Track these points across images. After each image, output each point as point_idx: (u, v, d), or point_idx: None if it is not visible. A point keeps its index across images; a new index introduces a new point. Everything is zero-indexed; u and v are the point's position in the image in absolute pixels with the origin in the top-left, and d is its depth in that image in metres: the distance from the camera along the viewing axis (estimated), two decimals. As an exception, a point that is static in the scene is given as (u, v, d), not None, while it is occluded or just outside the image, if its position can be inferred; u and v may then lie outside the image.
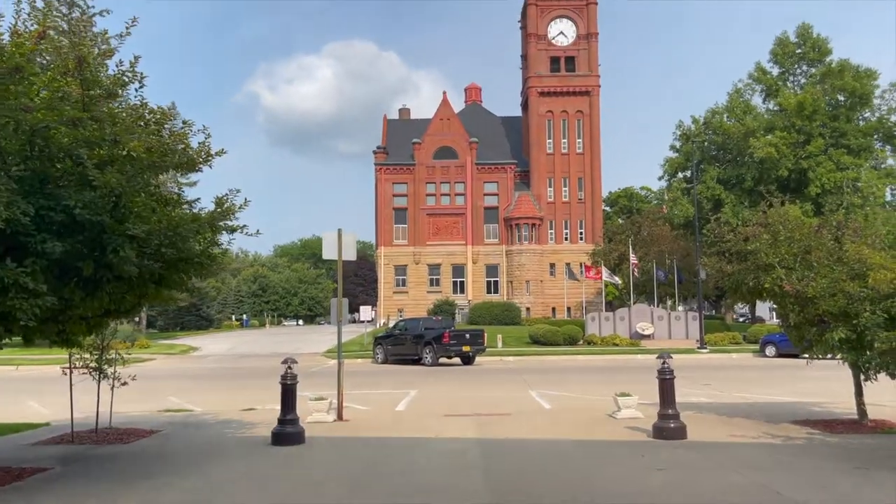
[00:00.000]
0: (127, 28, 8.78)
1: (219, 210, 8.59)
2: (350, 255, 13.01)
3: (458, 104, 75.46)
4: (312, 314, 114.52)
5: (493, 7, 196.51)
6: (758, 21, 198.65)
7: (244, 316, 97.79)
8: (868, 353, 9.86)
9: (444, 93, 70.08)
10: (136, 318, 63.90)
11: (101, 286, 7.65)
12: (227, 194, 8.67)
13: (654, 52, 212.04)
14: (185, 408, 16.27)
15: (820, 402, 15.33)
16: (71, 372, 11.75)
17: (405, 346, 31.10)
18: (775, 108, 49.54)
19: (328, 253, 12.84)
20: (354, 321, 73.97)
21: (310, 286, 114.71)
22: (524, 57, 70.86)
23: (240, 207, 8.76)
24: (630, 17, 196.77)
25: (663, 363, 10.57)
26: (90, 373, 11.82)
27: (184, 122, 8.66)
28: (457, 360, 30.32)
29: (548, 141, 66.85)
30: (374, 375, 25.78)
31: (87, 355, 11.52)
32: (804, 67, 50.48)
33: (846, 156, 44.98)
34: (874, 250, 10.37)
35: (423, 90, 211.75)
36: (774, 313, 66.08)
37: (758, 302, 60.85)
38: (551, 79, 66.99)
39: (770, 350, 33.53)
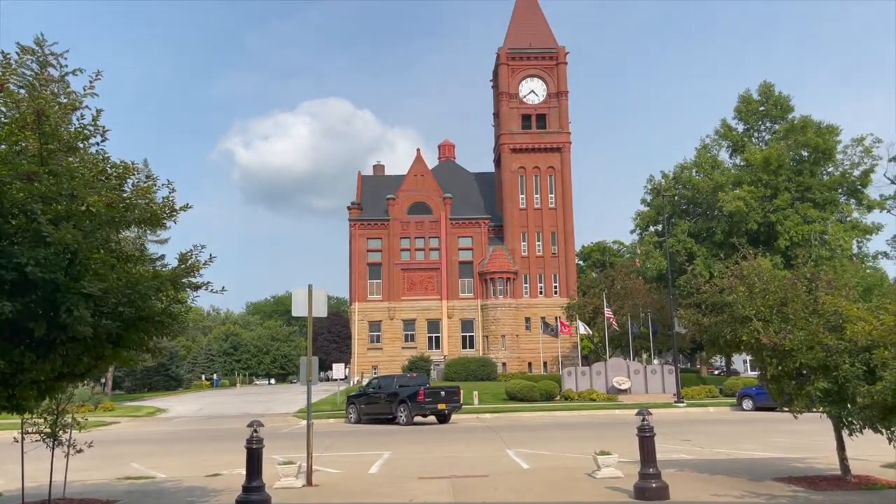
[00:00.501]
0: (91, 82, 8.63)
1: (182, 267, 8.28)
2: (321, 311, 12.66)
3: (432, 161, 76.37)
4: (285, 372, 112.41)
5: (467, 67, 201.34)
6: (725, 76, 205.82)
7: (214, 375, 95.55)
8: (850, 406, 9.69)
9: (418, 149, 70.81)
10: (102, 380, 62.04)
11: (54, 348, 7.25)
12: (191, 250, 8.37)
13: (624, 108, 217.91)
14: (146, 475, 15.48)
15: (801, 458, 15.08)
16: (23, 439, 11.08)
17: (379, 404, 30.36)
18: (742, 164, 50.75)
19: (298, 310, 12.48)
20: (328, 379, 72.70)
21: (282, 344, 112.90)
22: (496, 115, 72.18)
23: (204, 264, 8.46)
24: (599, 74, 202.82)
25: (643, 420, 10.29)
26: (44, 439, 11.17)
27: (147, 177, 8.41)
28: (432, 418, 29.64)
29: (521, 196, 67.52)
30: (347, 436, 25.02)
31: (40, 420, 10.89)
32: (768, 124, 52.01)
33: (812, 209, 45.99)
34: (850, 302, 10.33)
35: (398, 147, 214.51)
36: (749, 365, 66.30)
37: (733, 355, 61.17)
38: (523, 136, 68.13)
39: (747, 403, 33.41)
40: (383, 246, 66.72)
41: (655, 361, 65.04)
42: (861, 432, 9.70)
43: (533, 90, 69.77)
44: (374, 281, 66.49)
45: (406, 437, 23.75)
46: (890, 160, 52.44)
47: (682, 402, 35.94)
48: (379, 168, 78.79)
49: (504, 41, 71.23)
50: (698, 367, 76.61)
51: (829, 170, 49.49)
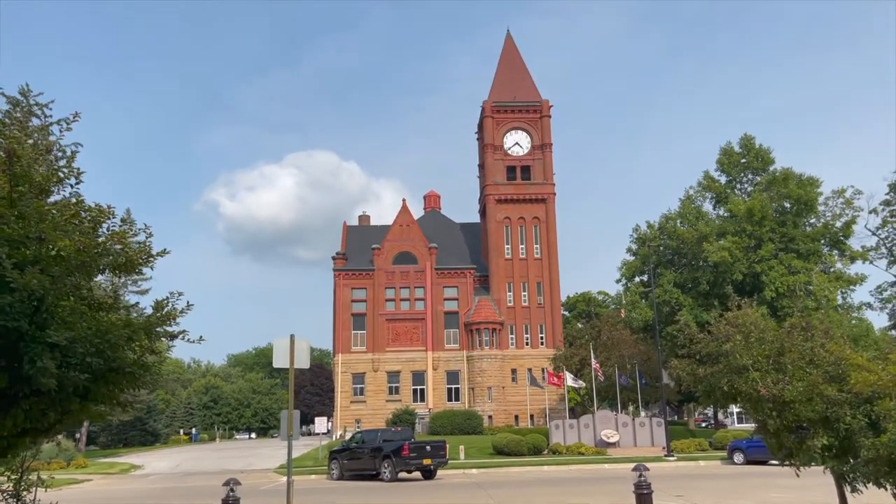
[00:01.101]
0: (68, 123, 8.31)
1: (157, 315, 7.86)
2: (303, 362, 12.20)
3: (417, 211, 76.48)
4: (266, 426, 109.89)
5: (452, 120, 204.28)
6: (707, 130, 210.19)
7: (193, 430, 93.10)
8: (853, 461, 9.32)
9: (404, 200, 70.95)
10: (77, 435, 60.14)
11: (17, 402, 6.76)
12: (167, 297, 7.98)
13: (607, 160, 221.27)
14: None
15: (800, 514, 14.60)
16: (-18, 500, 10.38)
17: (362, 460, 29.43)
18: (726, 214, 51.18)
19: (279, 361, 12.01)
20: (310, 433, 70.89)
21: (263, 397, 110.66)
22: (481, 166, 72.76)
23: (181, 311, 8.05)
24: (584, 126, 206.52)
25: (640, 476, 9.84)
26: (6, 499, 10.45)
27: (122, 220, 8.04)
28: (417, 474, 28.74)
29: (506, 246, 67.53)
30: (329, 494, 24.11)
31: (2, 479, 10.21)
32: (750, 175, 52.71)
33: (796, 260, 46.26)
34: (853, 351, 10.07)
35: (384, 199, 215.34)
36: (737, 418, 65.78)
37: (724, 407, 60.54)
38: (508, 187, 68.57)
39: (738, 457, 32.82)
40: (368, 296, 66.08)
41: (643, 413, 64.20)
42: (865, 488, 9.30)
43: (517, 142, 70.56)
44: (359, 332, 65.62)
45: (390, 494, 22.91)
46: (870, 212, 53.27)
47: (673, 456, 35.24)
48: (364, 218, 78.74)
49: (489, 94, 72.34)
50: (686, 419, 75.80)
51: (812, 221, 50.02)
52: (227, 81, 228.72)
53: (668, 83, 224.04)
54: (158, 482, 31.96)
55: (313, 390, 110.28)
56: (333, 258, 68.20)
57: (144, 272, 8.28)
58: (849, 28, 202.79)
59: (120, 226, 7.94)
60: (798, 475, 10.73)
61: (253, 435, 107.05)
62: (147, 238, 8.10)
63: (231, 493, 9.58)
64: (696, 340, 11.93)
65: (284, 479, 31.85)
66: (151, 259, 8.05)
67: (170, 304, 8.13)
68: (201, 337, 8.53)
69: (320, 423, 39.55)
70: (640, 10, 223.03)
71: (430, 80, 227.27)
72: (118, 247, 7.85)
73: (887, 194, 52.61)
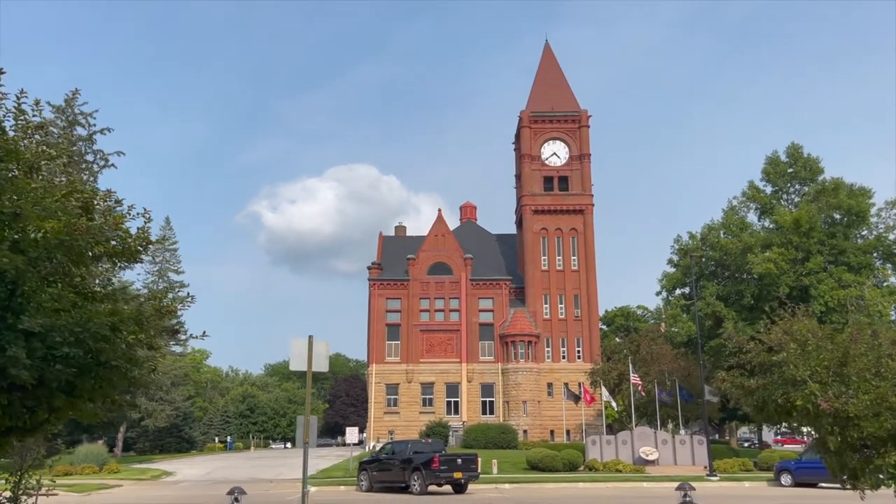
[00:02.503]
0: (70, 96, 7.75)
1: (152, 305, 7.26)
2: (322, 365, 11.53)
3: (453, 223, 75.91)
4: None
5: (492, 133, 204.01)
6: (751, 140, 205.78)
7: (228, 438, 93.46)
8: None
9: (440, 210, 70.42)
10: (114, 441, 60.65)
11: (-5, 397, 6.19)
12: (165, 288, 7.40)
13: (647, 171, 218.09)
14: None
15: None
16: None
17: (392, 471, 28.67)
18: (771, 226, 49.31)
19: (296, 363, 11.36)
20: (343, 444, 70.39)
21: (299, 407, 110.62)
22: (518, 177, 71.90)
23: (182, 302, 7.46)
24: (623, 137, 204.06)
25: (684, 496, 8.88)
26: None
27: (117, 202, 7.45)
28: (448, 487, 27.85)
29: (543, 258, 66.41)
30: (356, 505, 23.36)
31: (2, 482, 9.73)
32: (797, 186, 50.78)
33: (847, 273, 44.19)
34: None
35: (423, 212, 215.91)
36: (780, 437, 63.01)
37: (764, 427, 58.08)
38: (545, 197, 67.54)
39: (786, 478, 31.15)
40: (402, 306, 65.58)
41: (683, 431, 62.17)
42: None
43: (555, 152, 69.57)
44: (393, 342, 65.12)
45: (418, 508, 22.08)
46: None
47: (715, 476, 33.66)
48: (400, 229, 78.51)
49: (527, 104, 71.57)
50: (727, 438, 73.26)
51: (864, 233, 47.87)
52: (270, 96, 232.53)
53: (708, 92, 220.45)
54: (188, 490, 31.65)
55: (348, 401, 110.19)
56: (369, 268, 67.96)
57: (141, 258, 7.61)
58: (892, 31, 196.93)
59: (117, 210, 7.35)
60: (862, 499, 9.63)
61: (288, 445, 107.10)
62: (146, 223, 7.51)
63: (235, 503, 8.90)
64: (746, 350, 10.91)
65: (313, 489, 31.29)
66: (149, 244, 7.44)
67: (173, 294, 7.51)
68: (204, 332, 7.95)
69: (352, 434, 38.88)
70: (679, 18, 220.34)
71: (469, 93, 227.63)
72: (117, 233, 7.25)
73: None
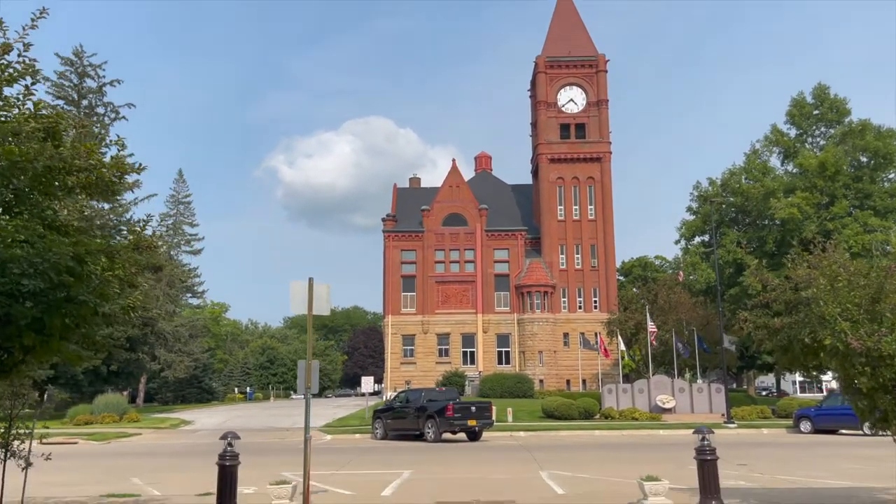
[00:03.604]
0: (33, 20, 7.14)
1: (131, 238, 6.74)
2: (323, 308, 11.07)
3: (468, 173, 74.88)
4: (321, 387, 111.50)
5: (508, 82, 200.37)
6: (772, 84, 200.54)
7: (248, 389, 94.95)
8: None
9: (454, 160, 69.59)
10: (135, 392, 61.61)
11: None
12: (140, 220, 6.87)
13: (667, 119, 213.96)
14: (135, 492, 13.98)
15: (886, 488, 12.88)
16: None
17: (406, 419, 28.63)
18: (794, 170, 47.86)
19: (296, 306, 10.91)
20: (361, 394, 71.24)
21: (318, 358, 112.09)
22: (534, 125, 70.35)
23: (160, 238, 6.95)
24: (640, 81, 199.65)
25: (702, 440, 8.38)
26: None
27: (83, 126, 6.87)
28: (462, 435, 27.80)
29: (559, 208, 65.40)
30: (369, 453, 23.32)
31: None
32: (822, 128, 49.06)
33: (873, 218, 42.90)
34: None
35: (440, 165, 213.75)
36: (799, 387, 62.90)
37: (794, 372, 57.80)
38: (561, 145, 66.12)
39: (805, 425, 30.75)
40: (417, 258, 65.22)
41: (700, 380, 61.89)
42: None
43: (572, 99, 67.80)
44: (408, 294, 64.97)
45: (431, 454, 21.96)
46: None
47: (733, 423, 33.38)
48: (415, 181, 77.64)
49: (542, 49, 69.53)
50: (745, 387, 73.05)
51: (891, 176, 46.34)
52: (284, 50, 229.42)
53: (730, 36, 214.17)
54: (205, 437, 31.92)
55: (366, 352, 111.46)
56: (383, 220, 67.47)
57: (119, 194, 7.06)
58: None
59: (82, 134, 6.76)
60: None
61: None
62: (120, 151, 6.92)
63: (229, 449, 8.57)
64: (771, 288, 10.26)
65: (329, 437, 31.58)
66: (126, 175, 6.87)
67: (149, 229, 6.99)
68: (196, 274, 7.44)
69: (367, 383, 38.92)
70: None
71: (486, 42, 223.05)
72: (87, 161, 6.69)
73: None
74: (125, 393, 69.66)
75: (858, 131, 45.16)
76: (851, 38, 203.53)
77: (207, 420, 43.42)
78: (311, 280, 10.99)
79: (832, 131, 48.14)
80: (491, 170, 77.90)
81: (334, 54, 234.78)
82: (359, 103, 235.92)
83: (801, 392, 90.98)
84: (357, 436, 31.14)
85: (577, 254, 64.80)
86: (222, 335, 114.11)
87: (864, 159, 46.09)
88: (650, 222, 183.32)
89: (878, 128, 45.34)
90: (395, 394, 34.45)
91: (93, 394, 44.61)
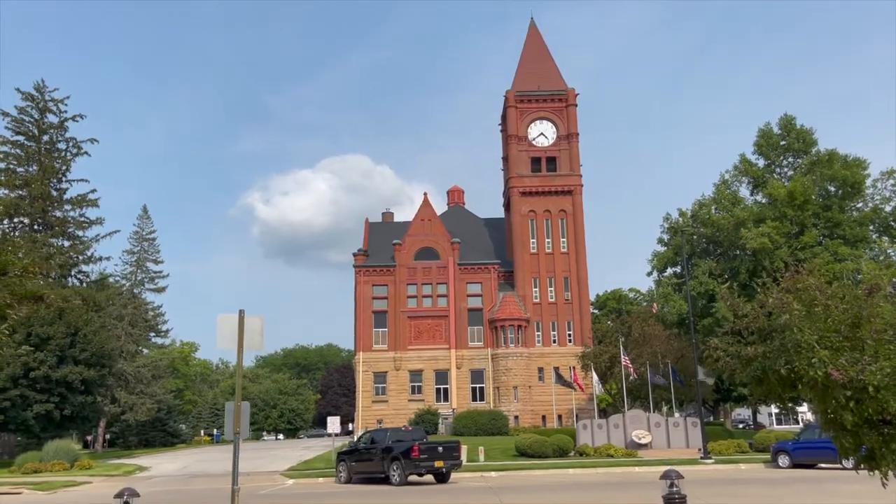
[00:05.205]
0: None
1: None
2: (255, 343, 10.02)
3: (441, 207, 74.36)
4: (293, 427, 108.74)
5: (483, 119, 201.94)
6: (743, 121, 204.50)
7: (215, 431, 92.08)
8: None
9: (426, 193, 68.62)
10: (88, 437, 59.07)
11: None
12: None
13: (638, 152, 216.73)
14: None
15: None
16: None
17: (372, 462, 27.22)
18: (764, 200, 47.89)
19: (224, 341, 9.84)
20: (337, 434, 69.20)
21: (290, 398, 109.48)
22: (505, 158, 70.25)
23: (30, 262, 5.92)
24: (612, 114, 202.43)
25: (671, 486, 7.43)
26: None
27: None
28: (430, 477, 26.46)
29: (531, 240, 64.93)
30: (329, 498, 21.94)
31: None
32: (790, 158, 49.30)
33: (843, 246, 42.86)
34: None
35: (417, 201, 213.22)
36: (775, 419, 62.26)
37: (769, 404, 56.89)
38: (533, 179, 65.97)
39: (783, 460, 29.89)
40: (389, 293, 64.07)
41: (677, 414, 60.99)
42: None
43: (542, 133, 67.89)
44: (380, 330, 63.64)
45: (393, 499, 20.67)
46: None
47: (710, 459, 32.41)
48: (388, 215, 76.87)
49: (512, 84, 69.81)
50: (722, 419, 72.31)
51: (859, 205, 46.49)
52: (260, 88, 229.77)
53: (699, 76, 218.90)
54: (159, 485, 30.17)
55: (340, 391, 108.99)
56: (354, 255, 66.36)
57: None
58: (882, 17, 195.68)
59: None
60: (885, 485, 8.19)
61: (280, 436, 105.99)
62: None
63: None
64: (743, 314, 9.44)
65: (291, 481, 29.96)
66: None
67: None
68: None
69: (333, 424, 37.33)
70: (667, 2, 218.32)
71: (460, 79, 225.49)
72: None
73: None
74: (89, 437, 66.94)
75: (826, 161, 45.41)
76: (820, 71, 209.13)
77: (167, 466, 41.41)
78: (241, 312, 9.95)
79: (800, 161, 48.40)
80: (464, 204, 77.47)
81: (309, 92, 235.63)
82: (335, 141, 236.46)
83: (777, 424, 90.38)
84: (320, 480, 29.64)
85: (551, 287, 64.14)
86: (191, 375, 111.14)
87: (832, 188, 46.28)
88: (624, 255, 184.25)
89: (845, 157, 45.62)
90: (360, 434, 33.01)
91: (47, 439, 42.48)
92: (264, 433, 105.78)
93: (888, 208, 45.11)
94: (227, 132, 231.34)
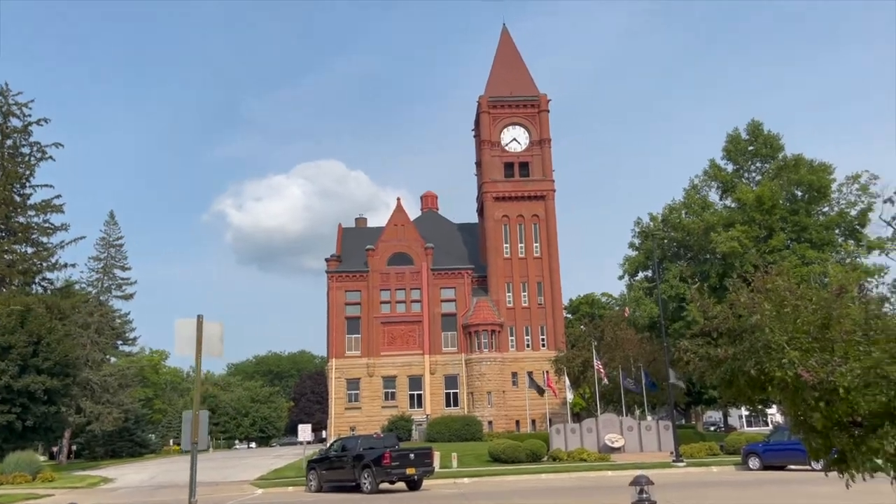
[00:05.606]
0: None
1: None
2: (215, 349, 9.68)
3: (415, 213, 74.15)
4: (265, 435, 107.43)
5: (459, 125, 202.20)
6: (715, 126, 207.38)
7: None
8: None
9: (399, 199, 68.39)
10: (55, 448, 57.62)
11: None
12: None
13: (612, 162, 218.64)
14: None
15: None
16: None
17: (343, 469, 26.80)
18: (733, 205, 48.45)
19: (183, 347, 9.49)
20: (310, 442, 68.42)
21: (262, 405, 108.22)
22: (478, 164, 70.27)
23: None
24: (585, 120, 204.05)
25: (641, 492, 7.26)
26: None
27: None
28: (402, 484, 26.13)
29: (505, 245, 64.95)
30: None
31: None
32: (758, 163, 49.96)
33: (810, 250, 43.49)
34: None
35: (391, 206, 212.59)
36: (746, 421, 63.04)
37: (739, 406, 57.52)
38: (506, 184, 66.07)
39: (754, 462, 30.11)
40: (362, 299, 63.59)
41: (650, 417, 61.28)
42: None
43: (515, 138, 68.06)
44: (353, 336, 63.08)
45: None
46: (884, 202, 50.34)
47: (682, 462, 32.51)
48: (361, 221, 76.36)
49: (485, 89, 69.89)
50: (694, 422, 72.90)
51: (825, 209, 47.23)
52: (235, 93, 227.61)
53: (674, 82, 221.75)
54: (124, 497, 29.42)
55: (314, 398, 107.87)
56: (327, 260, 65.77)
57: None
58: (860, 24, 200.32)
59: None
60: (849, 486, 8.12)
61: (253, 444, 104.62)
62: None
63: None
64: (713, 315, 9.35)
65: (259, 491, 29.36)
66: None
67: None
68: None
69: (304, 431, 36.76)
70: (641, 10, 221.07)
71: (435, 86, 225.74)
72: None
73: (903, 182, 49.79)
74: (55, 449, 65.21)
75: (792, 166, 46.08)
76: (791, 76, 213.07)
77: (133, 477, 40.47)
78: (200, 318, 9.60)
79: (767, 166, 49.07)
80: (437, 209, 77.31)
81: (285, 97, 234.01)
82: (309, 146, 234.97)
83: (747, 426, 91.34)
84: (290, 489, 29.13)
85: (524, 291, 64.18)
86: (161, 384, 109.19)
87: (798, 193, 46.95)
88: (598, 259, 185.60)
89: (811, 162, 46.35)
90: (332, 442, 32.55)
91: (9, 451, 41.24)
92: (236, 442, 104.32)
93: (853, 212, 45.92)
94: (200, 137, 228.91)
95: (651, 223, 51.59)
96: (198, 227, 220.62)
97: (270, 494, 27.91)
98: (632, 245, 54.14)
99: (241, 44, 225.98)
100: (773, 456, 29.42)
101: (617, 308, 71.28)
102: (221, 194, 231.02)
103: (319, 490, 27.26)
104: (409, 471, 25.16)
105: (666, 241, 49.99)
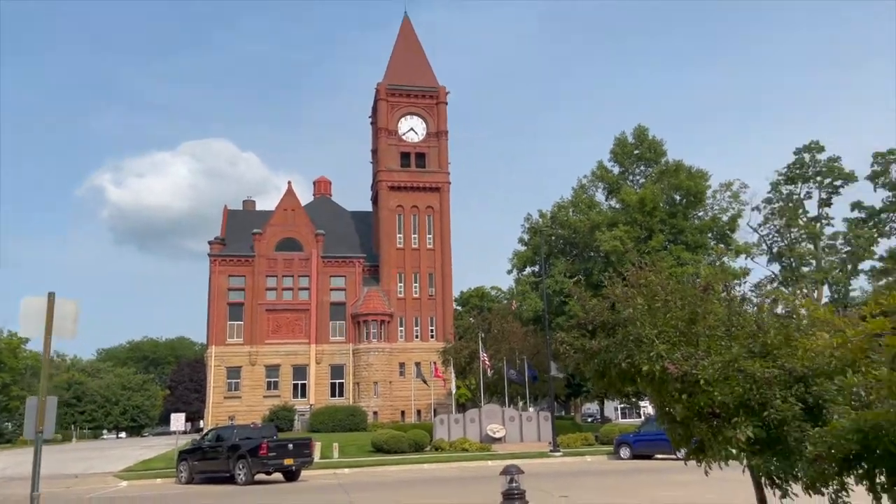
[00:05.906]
0: None
1: None
2: (67, 330, 8.86)
3: (307, 198, 72.43)
4: (137, 424, 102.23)
5: (357, 112, 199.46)
6: (608, 128, 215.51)
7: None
8: (787, 459, 7.09)
9: (290, 182, 66.51)
10: None
11: None
12: None
13: (509, 158, 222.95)
14: None
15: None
16: None
17: (217, 460, 25.75)
18: (617, 205, 50.62)
19: (29, 327, 8.62)
20: (185, 432, 65.51)
21: (135, 393, 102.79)
22: (374, 152, 69.61)
23: None
24: (483, 123, 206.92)
25: (510, 482, 7.25)
26: None
27: None
28: (279, 475, 25.42)
29: (398, 236, 64.74)
30: (162, 501, 20.40)
31: None
32: (642, 167, 52.46)
33: (685, 252, 46.15)
34: (815, 304, 7.90)
35: (283, 190, 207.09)
36: (621, 413, 65.95)
37: (612, 397, 59.97)
38: (402, 174, 65.81)
39: (625, 451, 31.55)
40: (247, 284, 61.48)
41: (532, 408, 63.09)
42: (808, 494, 7.04)
43: (412, 128, 67.87)
44: (235, 323, 60.90)
45: (233, 501, 19.54)
46: (753, 209, 54.37)
47: (559, 452, 33.60)
48: (249, 203, 73.70)
49: (384, 77, 69.23)
50: (573, 413, 75.74)
51: (700, 213, 50.28)
52: (114, 64, 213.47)
53: (571, 82, 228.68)
54: (-31, 491, 26.87)
55: (192, 386, 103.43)
56: (210, 243, 63.02)
57: None
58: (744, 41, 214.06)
59: None
60: (707, 473, 8.48)
61: (122, 434, 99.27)
62: None
63: None
64: (589, 308, 9.51)
65: (124, 483, 27.70)
66: None
67: None
68: None
69: (177, 421, 35.00)
70: (541, 12, 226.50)
71: (335, 74, 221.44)
72: None
73: (769, 192, 53.94)
74: None
75: (673, 171, 48.69)
76: (676, 87, 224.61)
77: (-18, 468, 37.22)
78: (51, 295, 8.75)
79: (651, 170, 51.59)
80: (331, 195, 75.90)
81: (174, 74, 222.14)
82: (198, 124, 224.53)
83: (622, 418, 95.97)
84: (159, 480, 27.66)
85: (416, 282, 64.29)
86: (20, 369, 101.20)
87: (677, 197, 49.68)
88: (490, 253, 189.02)
89: (690, 168, 49.16)
90: (206, 432, 31.24)
91: None
92: (104, 431, 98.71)
93: (725, 218, 49.15)
94: (73, 108, 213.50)
95: (540, 220, 53.03)
96: (70, 203, 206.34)
97: (136, 487, 26.41)
98: (521, 240, 55.45)
99: (123, 13, 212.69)
100: (643, 446, 30.91)
101: (505, 301, 72.85)
102: (98, 168, 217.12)
103: (190, 482, 26.06)
104: (287, 461, 24.52)
105: (553, 237, 51.52)
